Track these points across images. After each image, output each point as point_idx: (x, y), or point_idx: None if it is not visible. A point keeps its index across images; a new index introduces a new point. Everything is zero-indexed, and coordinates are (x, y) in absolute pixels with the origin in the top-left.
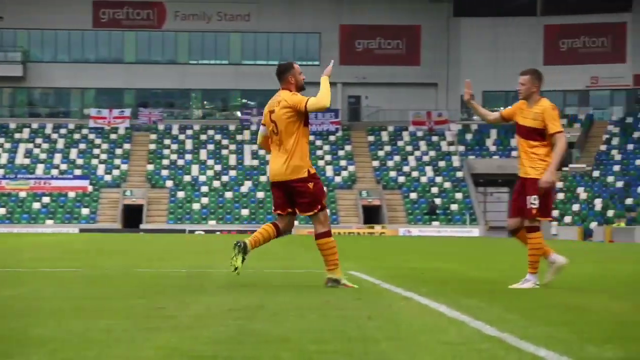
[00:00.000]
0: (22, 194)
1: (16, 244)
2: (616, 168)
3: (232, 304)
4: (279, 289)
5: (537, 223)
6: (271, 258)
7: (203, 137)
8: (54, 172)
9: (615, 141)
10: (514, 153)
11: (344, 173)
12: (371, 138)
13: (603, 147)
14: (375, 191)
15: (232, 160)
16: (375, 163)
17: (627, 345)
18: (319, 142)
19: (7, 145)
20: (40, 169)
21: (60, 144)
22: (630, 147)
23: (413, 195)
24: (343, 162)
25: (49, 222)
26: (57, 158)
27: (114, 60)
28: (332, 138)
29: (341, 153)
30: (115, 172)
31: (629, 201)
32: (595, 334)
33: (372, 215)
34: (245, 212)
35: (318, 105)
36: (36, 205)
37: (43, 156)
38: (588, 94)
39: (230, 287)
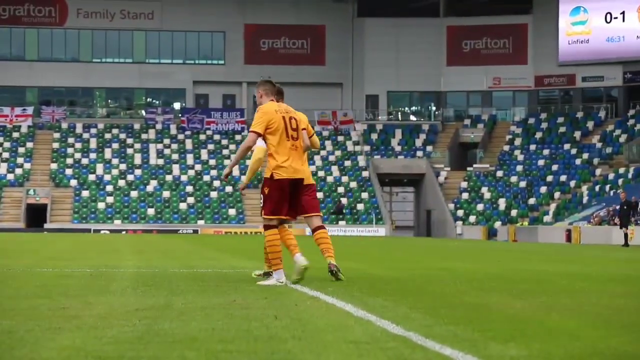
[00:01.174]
0: None
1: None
2: (519, 168)
3: (137, 304)
4: (185, 289)
5: (268, 222)
6: (174, 257)
7: (107, 135)
8: None
9: (517, 141)
10: (419, 153)
11: None
12: None
13: (506, 148)
14: None
15: (137, 159)
16: None
17: (530, 343)
18: (224, 142)
19: None
20: None
21: None
22: (532, 147)
23: (319, 195)
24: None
25: None
26: None
27: (16, 57)
28: (238, 137)
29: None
30: (18, 171)
31: (531, 201)
32: (498, 332)
33: None
34: (151, 211)
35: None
36: None
37: None
38: (491, 95)
39: (136, 287)
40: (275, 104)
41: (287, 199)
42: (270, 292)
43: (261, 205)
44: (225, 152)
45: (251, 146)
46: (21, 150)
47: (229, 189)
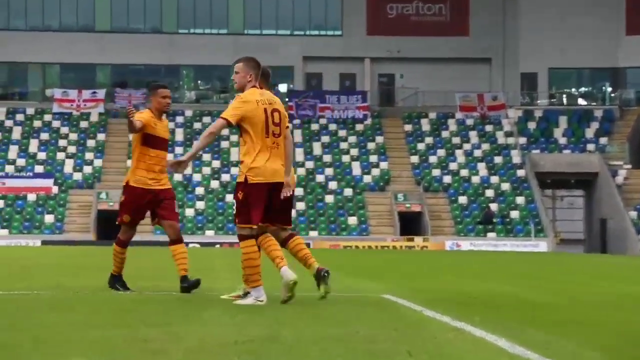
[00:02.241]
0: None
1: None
2: None
3: (236, 335)
4: (294, 316)
5: (245, 231)
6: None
7: (197, 125)
8: (9, 169)
9: None
10: (590, 146)
11: (375, 171)
12: (408, 127)
13: None
14: (415, 194)
15: (234, 154)
16: (414, 159)
17: None
18: (342, 133)
19: None
20: None
21: (17, 133)
22: None
23: (462, 200)
24: (373, 158)
25: (2, 232)
26: (13, 151)
27: (83, 28)
28: (358, 127)
29: (371, 146)
30: (87, 170)
31: None
32: None
33: (410, 224)
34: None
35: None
36: None
37: None
38: None
39: (234, 315)
40: (258, 92)
41: (263, 205)
42: (401, 321)
43: (234, 212)
44: (343, 145)
45: (216, 133)
46: (90, 143)
47: (348, 191)
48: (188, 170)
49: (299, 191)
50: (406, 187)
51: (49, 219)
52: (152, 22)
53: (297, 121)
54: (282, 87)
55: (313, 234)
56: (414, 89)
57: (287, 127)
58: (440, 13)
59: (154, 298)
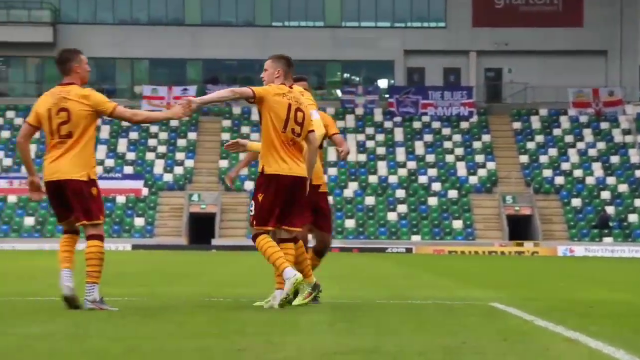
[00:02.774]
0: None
1: (48, 264)
2: None
3: (335, 345)
4: (397, 326)
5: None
6: (382, 284)
7: None
8: (98, 170)
9: None
10: None
11: (481, 172)
12: (517, 125)
13: None
14: (524, 196)
15: (331, 154)
16: (523, 158)
17: None
18: (446, 131)
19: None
20: None
21: (105, 132)
22: None
23: (576, 202)
24: (479, 158)
25: None
26: (101, 151)
27: (173, 21)
28: (464, 125)
29: (477, 145)
30: (178, 171)
31: None
32: None
33: (520, 228)
34: (349, 223)
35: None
36: None
37: None
38: None
39: (333, 324)
40: (286, 88)
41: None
42: (510, 331)
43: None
44: (447, 144)
45: (237, 92)
46: (181, 143)
47: (453, 193)
48: None
49: (401, 193)
50: (515, 189)
51: (139, 222)
52: (245, 15)
53: (398, 119)
54: (382, 83)
55: (415, 238)
56: (523, 84)
57: (312, 131)
58: (552, 2)
59: (249, 306)
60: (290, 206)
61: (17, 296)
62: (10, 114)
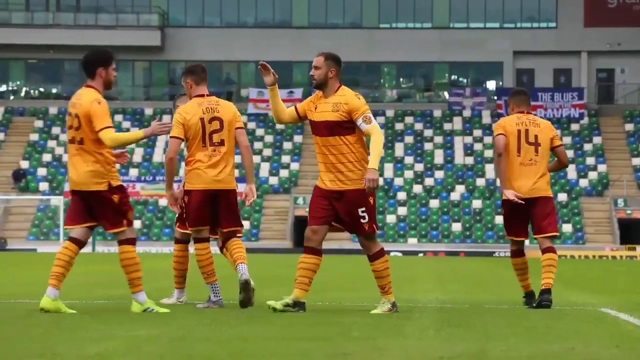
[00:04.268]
0: (164, 201)
1: (155, 266)
2: None
3: (442, 350)
4: (505, 331)
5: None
6: (490, 289)
7: (399, 126)
8: None
9: None
10: None
11: (592, 175)
12: (629, 127)
13: None
14: (637, 200)
15: (439, 157)
16: (636, 161)
17: None
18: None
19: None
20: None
21: None
22: None
23: None
24: (590, 160)
25: None
26: None
27: (280, 24)
28: (574, 127)
29: (587, 147)
30: (284, 174)
31: None
32: None
33: (632, 232)
34: (457, 226)
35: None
36: None
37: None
38: None
39: (439, 329)
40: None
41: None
42: (623, 338)
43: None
44: None
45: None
46: (287, 146)
47: (562, 196)
48: (389, 174)
49: None
50: (627, 192)
51: (244, 225)
52: (352, 17)
53: None
54: (491, 85)
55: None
56: (636, 84)
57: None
58: None
59: (354, 309)
60: None
61: (123, 299)
62: (118, 117)
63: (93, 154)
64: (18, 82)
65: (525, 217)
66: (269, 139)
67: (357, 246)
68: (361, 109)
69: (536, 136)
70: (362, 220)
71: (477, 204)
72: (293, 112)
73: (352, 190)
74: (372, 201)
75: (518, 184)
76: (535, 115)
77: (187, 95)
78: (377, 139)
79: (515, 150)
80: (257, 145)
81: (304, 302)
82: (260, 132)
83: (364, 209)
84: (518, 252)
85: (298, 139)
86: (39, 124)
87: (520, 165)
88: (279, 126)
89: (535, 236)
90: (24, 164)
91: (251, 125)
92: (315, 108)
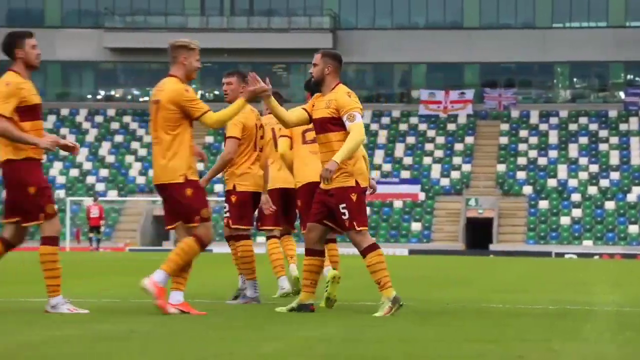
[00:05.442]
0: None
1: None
2: None
3: (616, 354)
4: None
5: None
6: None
7: (572, 127)
8: (374, 174)
9: None
10: None
11: None
12: None
13: None
14: None
15: (614, 158)
16: None
17: None
18: None
19: None
20: None
21: (382, 137)
22: None
23: None
24: None
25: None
26: (379, 156)
27: (451, 25)
28: None
29: None
30: (455, 175)
31: None
32: None
33: None
34: (634, 228)
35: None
36: None
37: None
38: None
39: (616, 333)
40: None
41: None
42: None
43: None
44: None
45: None
46: (458, 147)
47: None
48: (562, 175)
49: None
50: None
51: (415, 227)
52: (524, 17)
53: None
54: None
55: None
56: None
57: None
58: None
59: (529, 311)
60: None
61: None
62: None
63: None
64: (194, 86)
65: None
66: (440, 140)
67: (530, 248)
68: (348, 106)
69: None
70: (343, 217)
71: None
72: (303, 114)
73: (336, 187)
74: (354, 198)
75: None
76: None
77: None
78: (354, 136)
79: None
80: (429, 146)
81: (309, 304)
82: (431, 133)
83: (344, 205)
84: None
85: (469, 140)
86: None
87: None
88: (450, 127)
89: None
90: None
91: (422, 126)
92: (313, 106)
